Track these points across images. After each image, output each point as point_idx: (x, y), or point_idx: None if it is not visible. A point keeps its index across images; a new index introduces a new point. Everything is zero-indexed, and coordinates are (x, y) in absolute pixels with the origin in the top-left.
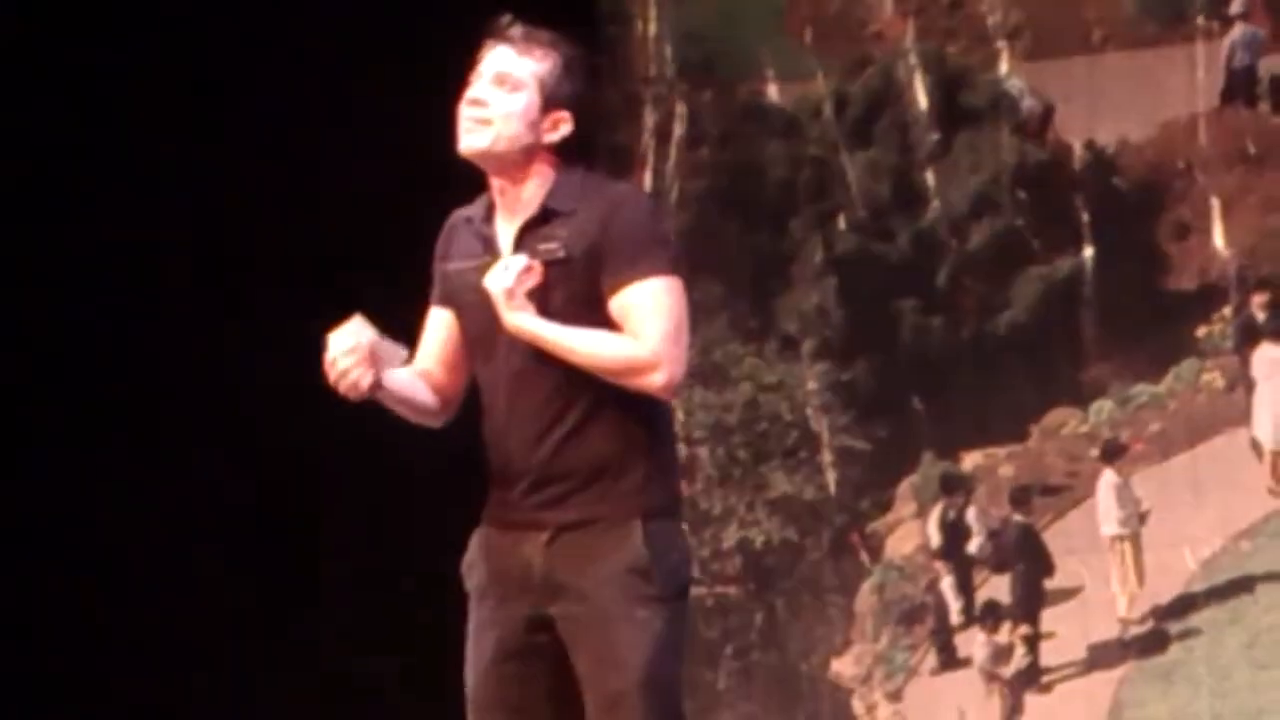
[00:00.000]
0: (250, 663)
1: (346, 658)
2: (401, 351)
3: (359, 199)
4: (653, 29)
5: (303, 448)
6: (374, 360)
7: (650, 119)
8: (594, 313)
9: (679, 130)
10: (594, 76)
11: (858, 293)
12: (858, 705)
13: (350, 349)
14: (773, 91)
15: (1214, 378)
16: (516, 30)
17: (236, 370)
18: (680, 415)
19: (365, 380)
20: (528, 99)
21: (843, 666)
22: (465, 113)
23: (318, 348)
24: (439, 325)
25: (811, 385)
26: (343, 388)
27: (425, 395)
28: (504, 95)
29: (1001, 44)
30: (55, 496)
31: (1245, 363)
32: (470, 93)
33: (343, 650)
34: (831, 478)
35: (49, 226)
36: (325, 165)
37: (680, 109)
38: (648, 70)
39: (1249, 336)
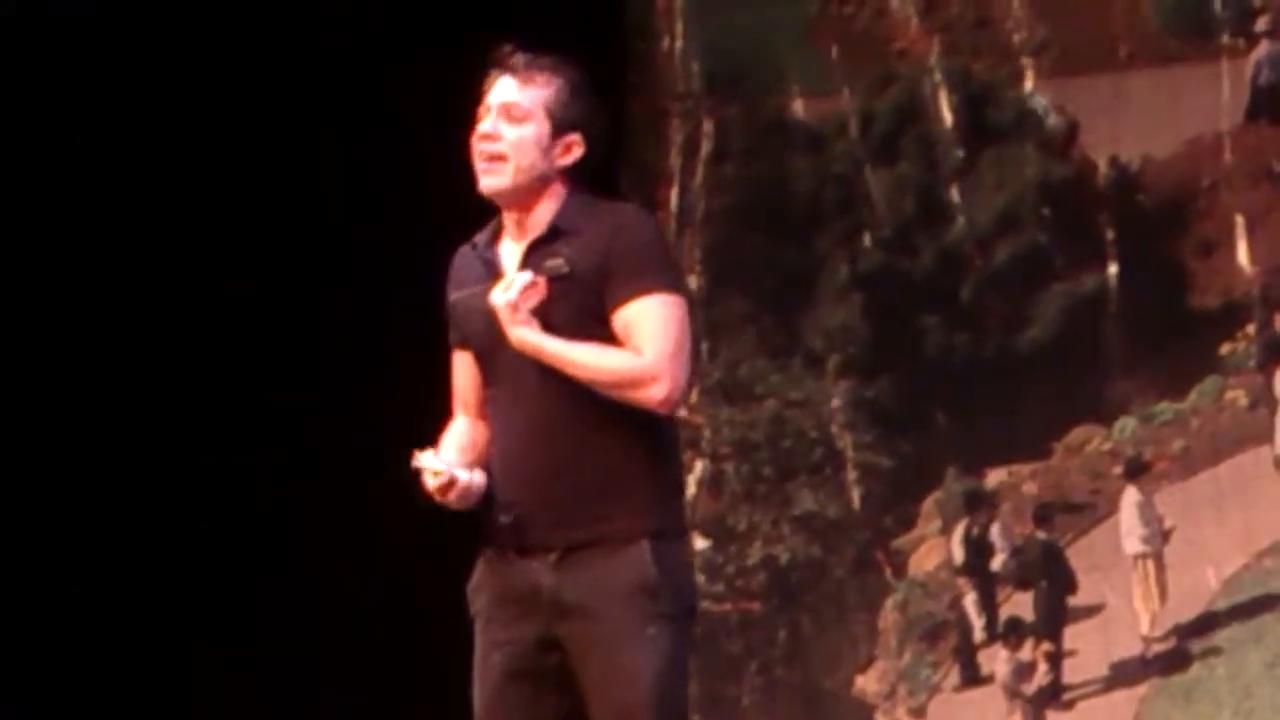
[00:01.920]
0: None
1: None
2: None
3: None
4: (679, 44)
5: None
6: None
7: (677, 134)
8: (597, 328)
9: (706, 146)
10: (600, 96)
11: (882, 309)
12: (882, 719)
13: (439, 470)
14: (798, 107)
15: (1238, 395)
16: (518, 59)
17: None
18: (706, 432)
19: (462, 491)
20: (537, 129)
21: (866, 683)
22: (479, 148)
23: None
24: (464, 367)
25: (836, 402)
26: (449, 499)
27: (480, 451)
28: (513, 128)
29: (1026, 61)
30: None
31: (1269, 380)
32: (481, 128)
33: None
34: (856, 494)
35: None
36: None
37: (707, 125)
38: (674, 86)
39: (1273, 354)
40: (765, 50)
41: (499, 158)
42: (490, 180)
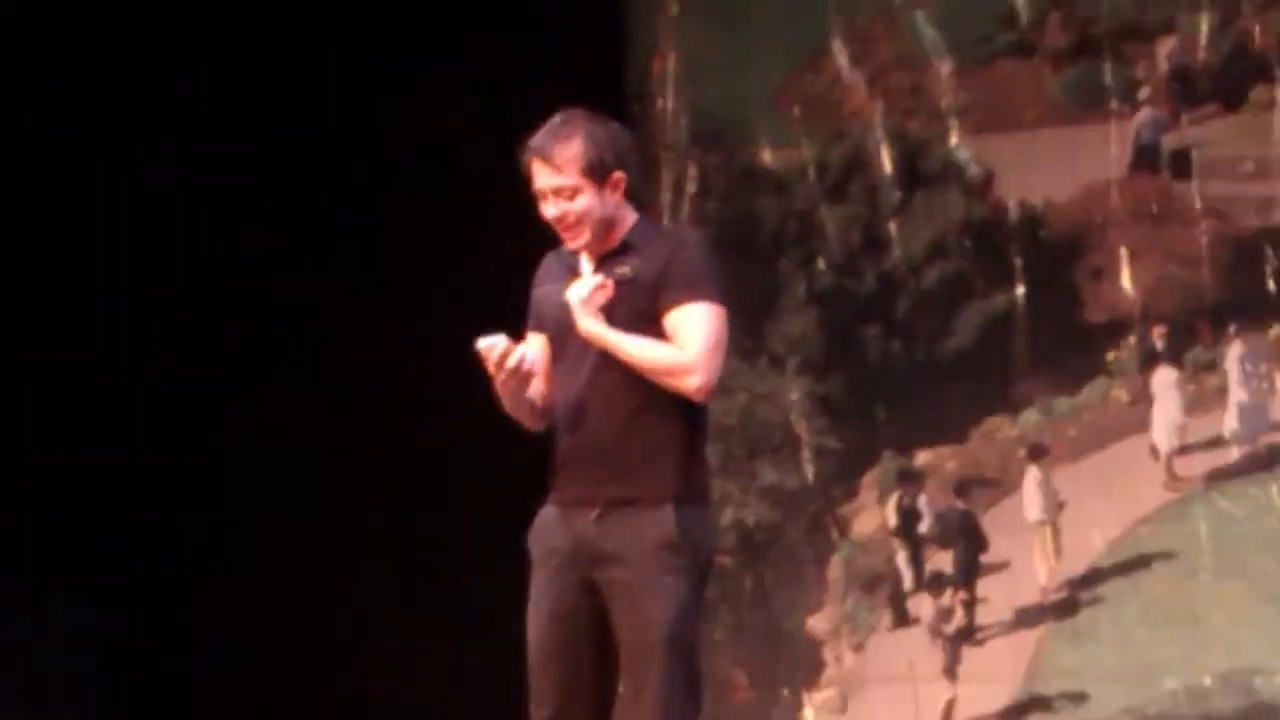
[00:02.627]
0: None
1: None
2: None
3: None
4: (669, 105)
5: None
6: (521, 361)
7: (667, 178)
8: (651, 326)
9: (690, 187)
10: (609, 118)
11: (832, 321)
12: (828, 655)
13: (503, 349)
14: (766, 157)
15: (1120, 394)
16: (538, 145)
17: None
18: None
19: (527, 367)
20: (588, 196)
21: (816, 624)
22: (556, 226)
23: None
24: (535, 348)
25: (794, 395)
26: (503, 376)
27: (535, 400)
28: (570, 203)
29: (952, 121)
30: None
31: (1145, 382)
32: (547, 212)
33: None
34: (809, 470)
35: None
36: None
37: (691, 170)
38: (665, 139)
39: (1149, 361)
40: (739, 111)
41: (574, 227)
42: (576, 242)
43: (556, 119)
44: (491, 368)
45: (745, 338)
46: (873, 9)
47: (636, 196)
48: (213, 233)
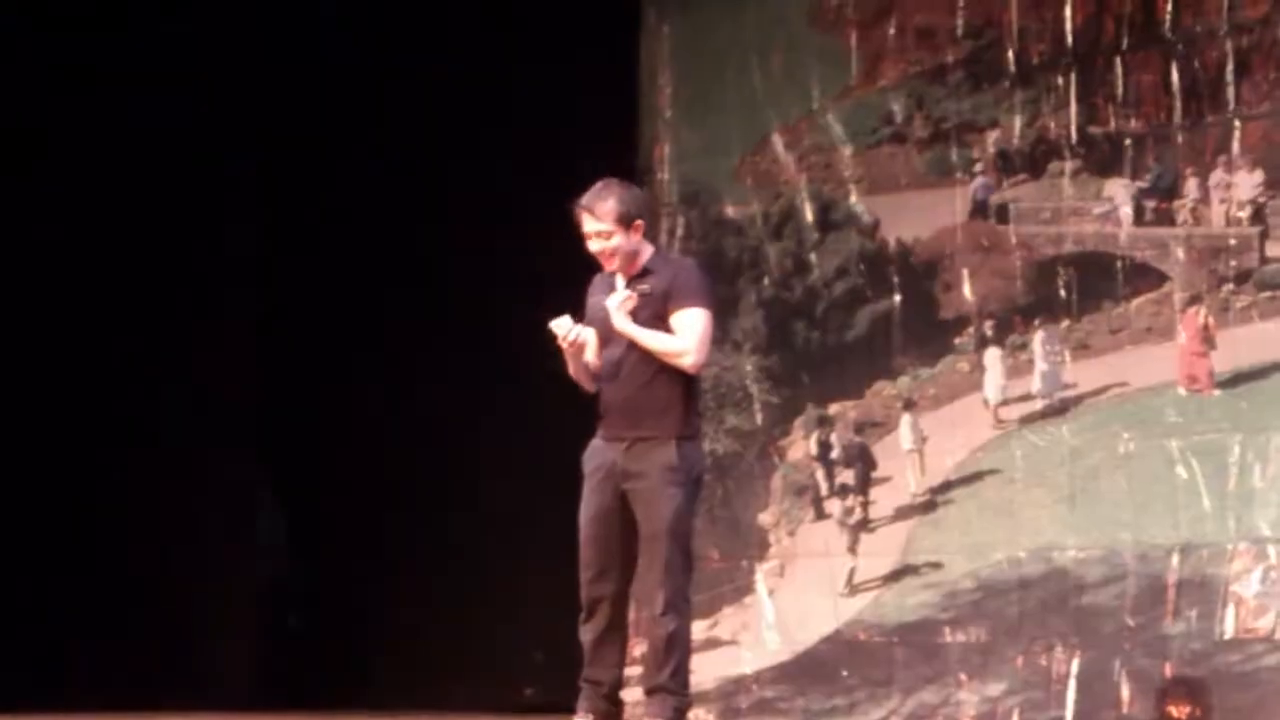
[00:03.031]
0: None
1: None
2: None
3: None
4: (665, 177)
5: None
6: (578, 338)
7: (665, 225)
8: (663, 324)
9: (679, 232)
10: (629, 188)
11: (773, 319)
12: (771, 538)
13: (567, 329)
14: (729, 211)
15: (964, 365)
16: (586, 203)
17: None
18: None
19: (582, 340)
20: (619, 237)
21: (764, 517)
22: (598, 258)
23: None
24: (589, 334)
25: (748, 367)
26: (568, 348)
27: (591, 370)
28: (606, 243)
29: (852, 186)
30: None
31: (980, 358)
32: (591, 248)
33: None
34: (759, 417)
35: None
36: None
37: (680, 220)
38: (663, 200)
39: (982, 343)
40: (711, 181)
41: (610, 259)
42: (611, 267)
43: (599, 185)
44: (560, 341)
45: (716, 330)
46: (800, 113)
47: (652, 236)
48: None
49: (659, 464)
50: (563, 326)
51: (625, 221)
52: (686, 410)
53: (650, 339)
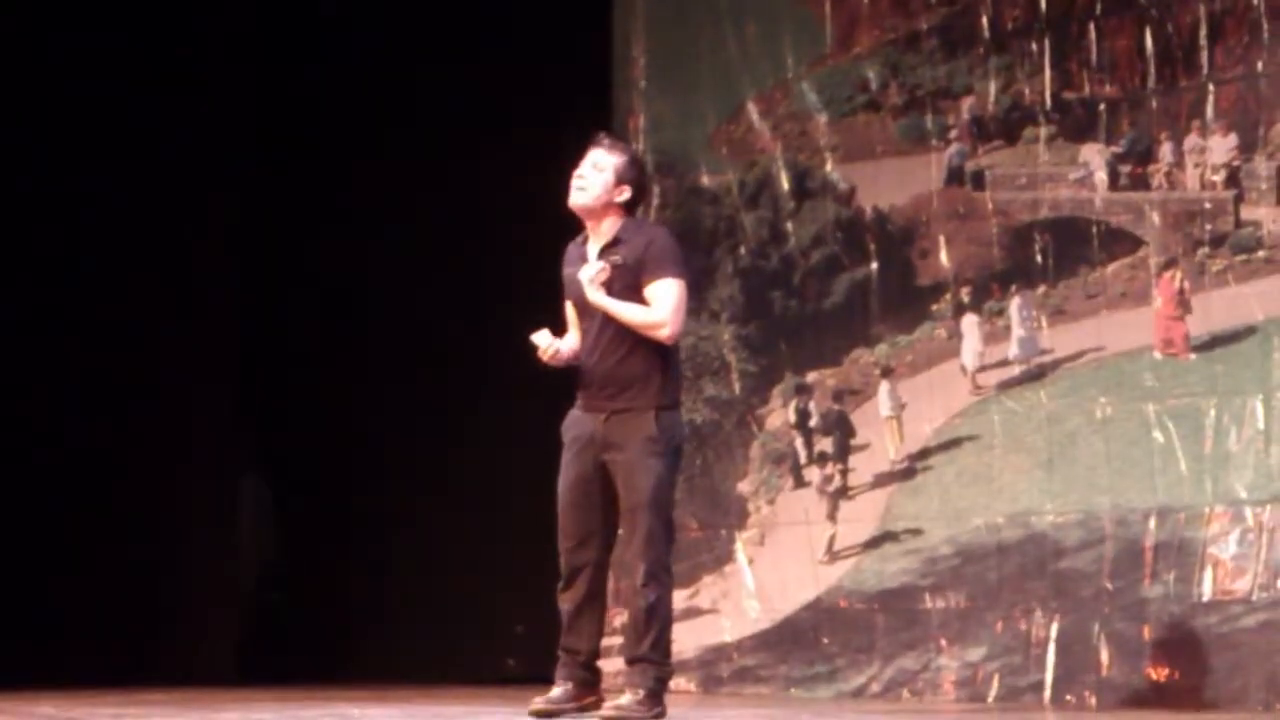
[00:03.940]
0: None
1: (501, 467)
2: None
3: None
4: (641, 147)
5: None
6: (557, 351)
7: None
8: (636, 295)
9: (655, 200)
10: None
11: (750, 288)
12: (750, 507)
13: (546, 345)
14: (705, 180)
15: (941, 332)
16: (605, 140)
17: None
18: None
19: (559, 357)
20: (607, 177)
21: (744, 486)
22: (573, 182)
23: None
24: (571, 310)
25: (726, 336)
26: (548, 360)
27: (571, 355)
28: (595, 174)
29: (828, 154)
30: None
31: (957, 324)
32: (578, 170)
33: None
34: (737, 385)
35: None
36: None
37: (656, 190)
38: None
39: (959, 310)
40: (686, 150)
41: (584, 188)
42: (575, 198)
43: (624, 144)
44: (540, 353)
45: (692, 299)
46: (774, 81)
47: (633, 210)
48: None
49: (639, 435)
50: (542, 340)
51: (621, 176)
52: (665, 380)
53: (625, 311)
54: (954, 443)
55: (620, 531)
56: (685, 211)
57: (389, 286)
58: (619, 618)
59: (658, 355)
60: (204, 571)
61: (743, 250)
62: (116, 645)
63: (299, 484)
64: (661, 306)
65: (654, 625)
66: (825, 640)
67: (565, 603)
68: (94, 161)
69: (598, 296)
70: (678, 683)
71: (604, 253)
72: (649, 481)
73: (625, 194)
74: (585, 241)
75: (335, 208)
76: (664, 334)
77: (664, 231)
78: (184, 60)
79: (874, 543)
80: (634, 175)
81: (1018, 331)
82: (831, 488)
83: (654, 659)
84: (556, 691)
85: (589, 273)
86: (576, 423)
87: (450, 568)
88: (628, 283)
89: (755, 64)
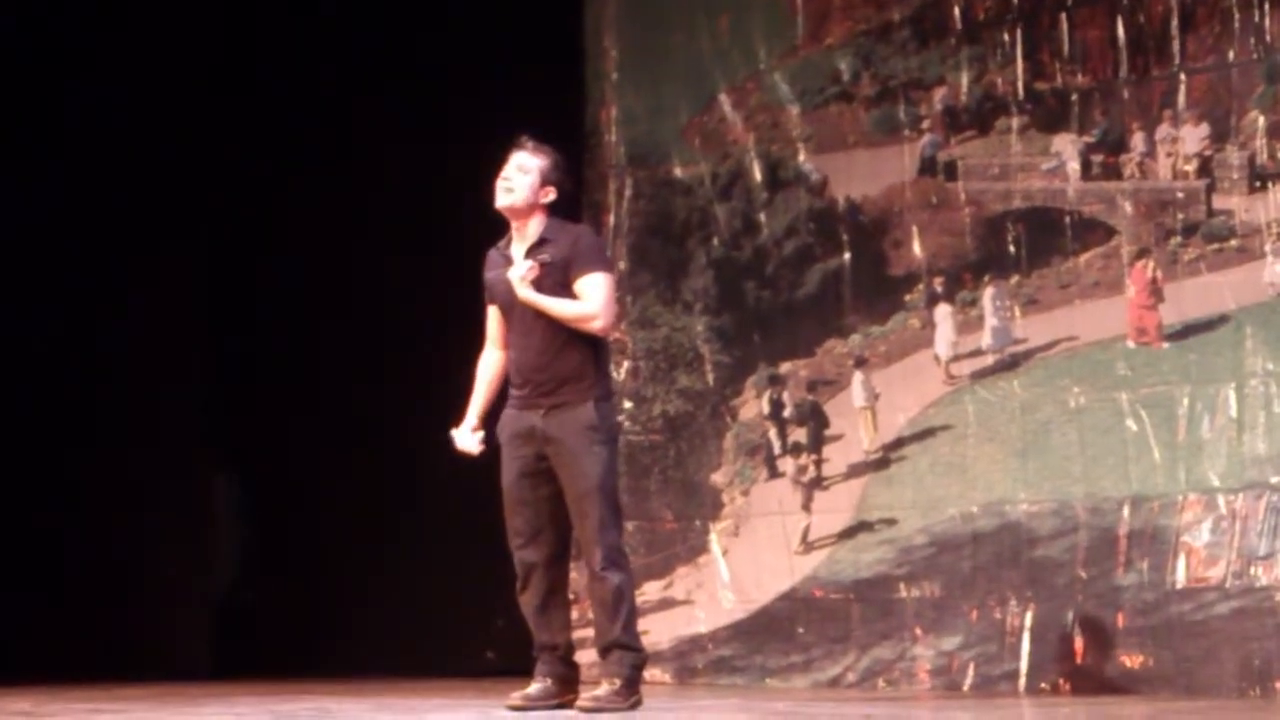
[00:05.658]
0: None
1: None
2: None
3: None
4: (613, 139)
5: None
6: (472, 442)
7: (613, 187)
8: (566, 291)
9: (627, 192)
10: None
11: (723, 279)
12: (725, 498)
13: (464, 448)
14: (677, 171)
15: (914, 322)
16: (529, 143)
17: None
18: (629, 345)
19: (476, 449)
20: (533, 179)
21: (717, 477)
22: (499, 185)
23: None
24: (494, 316)
25: (699, 328)
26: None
27: (497, 378)
28: (521, 176)
29: (801, 145)
30: None
31: (930, 314)
32: (503, 173)
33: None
34: (710, 377)
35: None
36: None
37: (627, 180)
38: (610, 160)
39: (932, 300)
40: (659, 142)
41: (510, 190)
42: (502, 200)
43: (548, 147)
44: (467, 452)
45: (666, 290)
46: (746, 72)
47: (558, 211)
48: None
49: (580, 425)
50: (462, 439)
51: (546, 178)
52: (599, 372)
53: (557, 306)
54: (928, 432)
55: (573, 521)
56: (658, 203)
57: (360, 285)
58: (589, 612)
59: (590, 348)
60: (177, 569)
61: (716, 241)
62: (91, 643)
63: (272, 482)
64: (592, 299)
65: (621, 608)
66: (801, 630)
67: (527, 604)
68: (62, 160)
69: (528, 293)
70: (653, 674)
71: (531, 252)
72: (596, 468)
73: (550, 195)
74: (508, 245)
75: (306, 205)
76: (596, 325)
77: (588, 229)
78: (153, 55)
79: (849, 533)
80: (558, 177)
81: (991, 321)
82: (806, 478)
83: (627, 642)
84: (535, 688)
85: (519, 271)
86: (513, 420)
87: (427, 562)
88: (557, 280)
89: (727, 56)
